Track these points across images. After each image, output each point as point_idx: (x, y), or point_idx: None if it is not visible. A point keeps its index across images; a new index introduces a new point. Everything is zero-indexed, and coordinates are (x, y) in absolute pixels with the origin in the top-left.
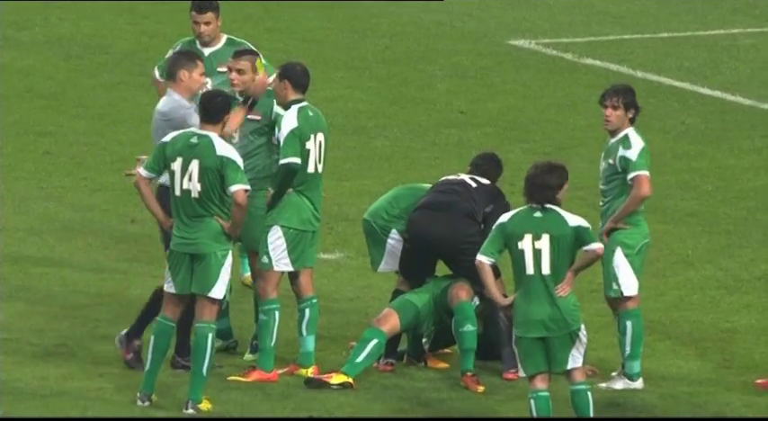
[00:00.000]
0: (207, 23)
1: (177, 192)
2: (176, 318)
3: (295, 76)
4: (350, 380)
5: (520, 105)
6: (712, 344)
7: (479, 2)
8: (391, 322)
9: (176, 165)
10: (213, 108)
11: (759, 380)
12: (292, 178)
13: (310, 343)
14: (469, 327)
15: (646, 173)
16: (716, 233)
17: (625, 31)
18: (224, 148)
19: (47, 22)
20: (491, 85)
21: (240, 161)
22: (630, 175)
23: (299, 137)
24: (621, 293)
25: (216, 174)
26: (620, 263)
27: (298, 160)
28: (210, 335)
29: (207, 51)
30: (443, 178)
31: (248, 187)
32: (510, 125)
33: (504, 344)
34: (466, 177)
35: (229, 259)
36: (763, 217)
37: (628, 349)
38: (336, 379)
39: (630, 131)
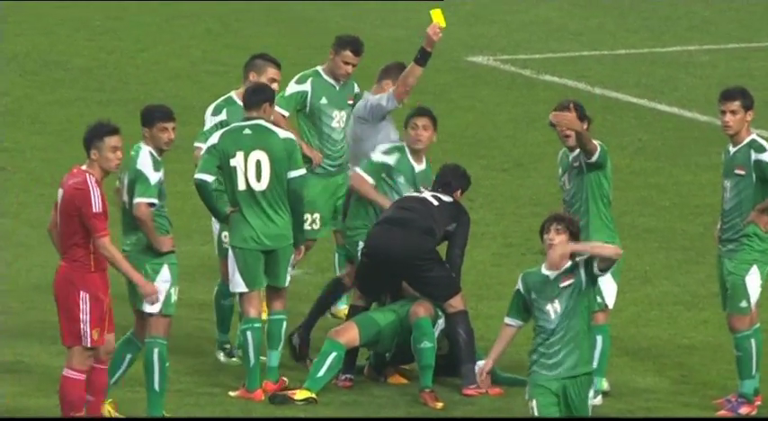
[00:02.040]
0: (355, 65)
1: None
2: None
3: (245, 95)
4: (313, 395)
5: (478, 122)
6: (670, 360)
7: None
8: (350, 334)
9: (122, 179)
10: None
11: (716, 401)
12: (203, 194)
13: (272, 358)
14: (427, 344)
15: None
16: (673, 249)
17: (583, 47)
18: (142, 161)
19: (3, 38)
20: (449, 101)
21: (152, 175)
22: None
23: (216, 155)
24: (606, 306)
25: (134, 186)
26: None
27: (205, 177)
28: (156, 350)
29: (338, 86)
30: (405, 194)
31: (151, 201)
32: (468, 141)
33: (463, 361)
34: (428, 195)
35: (164, 273)
36: (715, 233)
37: (594, 364)
38: (300, 395)
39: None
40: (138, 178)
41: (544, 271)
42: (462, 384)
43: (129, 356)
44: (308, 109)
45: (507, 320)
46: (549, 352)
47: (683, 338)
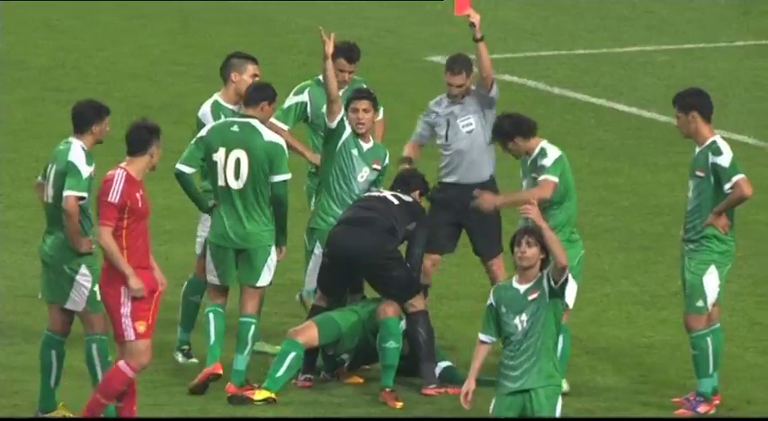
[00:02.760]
0: (351, 72)
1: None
2: (60, 330)
3: (246, 92)
4: (272, 395)
5: None
6: (629, 360)
7: (397, 18)
8: (309, 334)
9: (48, 172)
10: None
11: (675, 400)
12: (182, 184)
13: (237, 361)
14: (392, 344)
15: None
16: (632, 249)
17: (542, 47)
18: (75, 154)
19: None
20: (409, 101)
21: (85, 169)
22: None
23: (201, 148)
24: (566, 305)
25: (63, 178)
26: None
27: (184, 168)
28: (94, 346)
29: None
30: (366, 194)
31: (81, 194)
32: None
33: (423, 360)
34: (388, 194)
35: (83, 271)
36: (678, 232)
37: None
38: (259, 395)
39: (545, 143)
40: (69, 170)
41: (515, 284)
42: (422, 384)
43: (53, 352)
44: (309, 119)
45: (482, 337)
46: (514, 364)
47: (642, 338)
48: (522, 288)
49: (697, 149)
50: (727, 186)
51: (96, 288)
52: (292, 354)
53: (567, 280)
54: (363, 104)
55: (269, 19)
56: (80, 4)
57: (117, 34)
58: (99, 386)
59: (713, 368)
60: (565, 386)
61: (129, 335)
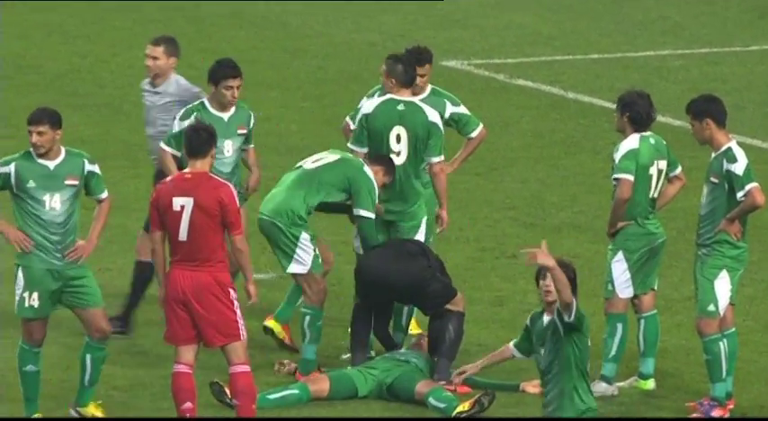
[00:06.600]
0: (422, 76)
1: None
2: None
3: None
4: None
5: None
6: None
7: (412, 22)
8: (320, 385)
9: None
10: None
11: (689, 404)
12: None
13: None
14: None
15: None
16: None
17: (556, 51)
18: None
19: None
20: None
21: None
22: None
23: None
24: (614, 294)
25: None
26: (618, 265)
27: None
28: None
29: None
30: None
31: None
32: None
33: (442, 355)
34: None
35: (19, 276)
36: (693, 237)
37: (614, 351)
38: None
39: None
40: None
41: (544, 315)
42: (434, 378)
43: (88, 356)
44: None
45: (511, 345)
46: (545, 391)
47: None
48: (546, 320)
49: (713, 155)
50: (740, 194)
51: (26, 294)
52: (295, 391)
53: (577, 316)
54: (237, 82)
55: (283, 23)
56: (95, 10)
57: (132, 39)
58: (247, 400)
59: (726, 372)
60: (651, 384)
61: (245, 333)
